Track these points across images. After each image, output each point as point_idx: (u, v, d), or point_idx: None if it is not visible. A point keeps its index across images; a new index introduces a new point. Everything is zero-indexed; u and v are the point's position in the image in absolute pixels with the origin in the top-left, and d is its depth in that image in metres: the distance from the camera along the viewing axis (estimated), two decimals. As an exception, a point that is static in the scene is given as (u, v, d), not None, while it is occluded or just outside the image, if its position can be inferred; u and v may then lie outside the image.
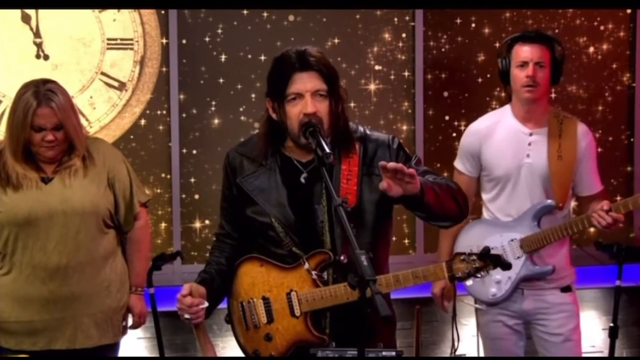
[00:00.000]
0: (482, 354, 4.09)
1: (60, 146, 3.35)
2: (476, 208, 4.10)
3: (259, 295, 2.95)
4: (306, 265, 2.89)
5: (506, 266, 2.88)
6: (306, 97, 2.82)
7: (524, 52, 3.78)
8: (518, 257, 3.79)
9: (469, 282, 2.88)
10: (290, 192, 2.92)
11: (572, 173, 3.80)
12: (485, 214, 3.96)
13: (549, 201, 3.79)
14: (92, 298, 3.41)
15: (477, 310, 4.01)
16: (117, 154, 3.56)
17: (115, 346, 3.56)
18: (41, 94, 3.30)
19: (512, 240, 3.81)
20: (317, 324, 2.91)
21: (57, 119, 3.30)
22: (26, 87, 3.35)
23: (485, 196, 3.96)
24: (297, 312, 2.90)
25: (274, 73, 2.88)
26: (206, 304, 2.89)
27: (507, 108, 3.91)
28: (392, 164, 2.66)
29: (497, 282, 3.83)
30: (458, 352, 5.06)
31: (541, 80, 3.76)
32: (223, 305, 3.08)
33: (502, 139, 3.86)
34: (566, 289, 3.88)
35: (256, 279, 2.96)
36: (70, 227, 3.34)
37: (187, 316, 2.87)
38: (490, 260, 2.85)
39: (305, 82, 2.82)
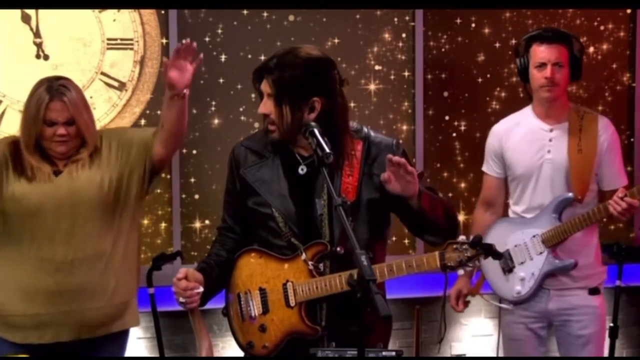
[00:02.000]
0: (501, 354, 4.07)
1: (72, 142, 3.36)
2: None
3: (256, 286, 2.99)
4: (303, 256, 2.93)
5: (497, 255, 2.90)
6: (264, 98, 2.94)
7: (542, 52, 3.78)
8: (540, 253, 3.79)
9: (461, 272, 2.91)
10: (292, 184, 2.97)
11: (592, 166, 3.80)
12: (511, 213, 3.97)
13: (568, 194, 3.78)
14: (100, 291, 3.40)
15: (500, 310, 3.99)
16: (118, 130, 3.57)
17: (123, 335, 3.54)
18: (54, 88, 3.34)
19: (533, 236, 3.81)
20: (311, 315, 2.94)
21: (69, 114, 3.33)
22: (39, 83, 3.39)
23: (510, 196, 3.97)
24: (292, 303, 2.94)
25: None
26: (201, 289, 2.92)
27: (528, 108, 3.94)
28: (397, 158, 2.77)
29: (521, 280, 3.82)
30: (458, 352, 5.07)
31: (560, 80, 3.77)
32: (224, 304, 3.09)
33: (523, 138, 3.88)
34: (594, 291, 3.85)
35: (255, 271, 3.00)
36: (78, 219, 3.35)
37: (182, 300, 2.91)
38: (481, 248, 2.87)
39: (264, 84, 2.94)
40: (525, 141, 3.87)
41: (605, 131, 3.85)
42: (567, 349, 3.90)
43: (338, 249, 2.90)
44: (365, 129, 3.03)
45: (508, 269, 3.87)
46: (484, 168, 4.04)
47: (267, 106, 2.92)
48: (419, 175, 2.96)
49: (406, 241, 5.17)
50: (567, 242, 3.78)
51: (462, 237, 2.91)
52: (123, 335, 3.55)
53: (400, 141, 3.06)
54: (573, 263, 3.77)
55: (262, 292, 2.97)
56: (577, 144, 3.80)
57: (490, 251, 2.88)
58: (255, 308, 2.98)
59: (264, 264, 2.99)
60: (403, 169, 2.76)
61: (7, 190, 3.35)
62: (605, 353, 4.97)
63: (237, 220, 3.09)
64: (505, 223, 3.93)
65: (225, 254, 3.07)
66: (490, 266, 3.90)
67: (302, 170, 2.97)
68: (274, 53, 2.96)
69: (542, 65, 3.78)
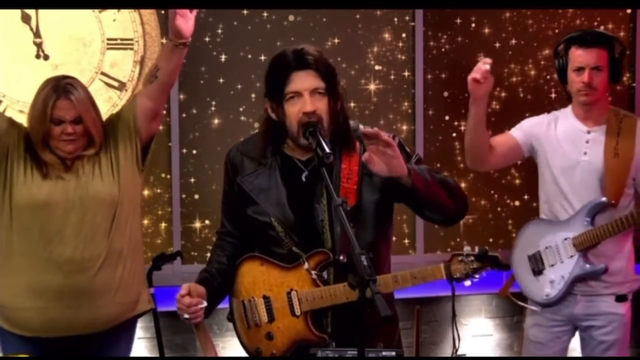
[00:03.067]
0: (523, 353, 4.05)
1: (79, 140, 3.37)
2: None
3: (259, 294, 2.97)
4: (306, 265, 2.90)
5: (504, 267, 2.89)
6: (305, 95, 2.82)
7: (580, 56, 3.73)
8: (571, 256, 3.76)
9: (467, 283, 2.90)
10: (290, 191, 2.93)
11: (628, 171, 3.75)
12: (543, 214, 3.94)
13: (602, 198, 3.74)
14: (111, 288, 3.40)
15: (527, 310, 3.97)
16: (109, 117, 3.58)
17: (134, 319, 3.55)
18: (60, 87, 3.36)
19: (565, 239, 3.78)
20: (317, 323, 2.92)
21: (76, 112, 3.34)
22: (46, 82, 3.41)
23: (542, 194, 3.94)
24: (298, 312, 2.92)
25: (271, 73, 2.89)
26: (205, 304, 2.90)
27: (568, 107, 3.90)
28: (368, 129, 2.68)
29: (550, 282, 3.80)
30: (458, 352, 5.07)
31: (598, 84, 3.73)
32: (224, 305, 3.08)
33: (560, 136, 3.84)
34: (621, 298, 3.81)
35: (257, 278, 2.97)
36: (87, 213, 3.36)
37: (186, 316, 2.89)
38: (487, 261, 2.87)
39: (304, 81, 2.82)
40: (562, 140, 3.83)
41: None
42: (588, 351, 3.87)
43: (341, 257, 2.87)
44: (361, 127, 3.00)
45: (538, 270, 3.85)
46: (511, 130, 3.95)
47: (313, 102, 2.82)
48: (417, 160, 2.93)
49: (406, 241, 5.17)
50: (599, 247, 3.74)
51: (467, 249, 2.90)
52: (133, 320, 3.55)
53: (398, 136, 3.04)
54: (603, 268, 3.73)
55: (267, 300, 2.96)
56: (615, 147, 3.75)
57: (496, 263, 2.87)
58: (260, 316, 2.96)
59: (266, 272, 2.97)
60: (382, 143, 2.67)
61: (19, 181, 3.37)
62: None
63: (236, 224, 3.06)
64: (537, 224, 3.91)
65: (226, 261, 3.05)
66: (521, 267, 3.90)
67: (304, 177, 2.93)
68: (290, 51, 2.86)
69: (580, 70, 3.73)
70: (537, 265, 3.85)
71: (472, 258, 2.87)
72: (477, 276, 2.88)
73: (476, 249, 2.90)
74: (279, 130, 2.91)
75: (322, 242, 2.90)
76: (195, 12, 3.30)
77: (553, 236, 3.81)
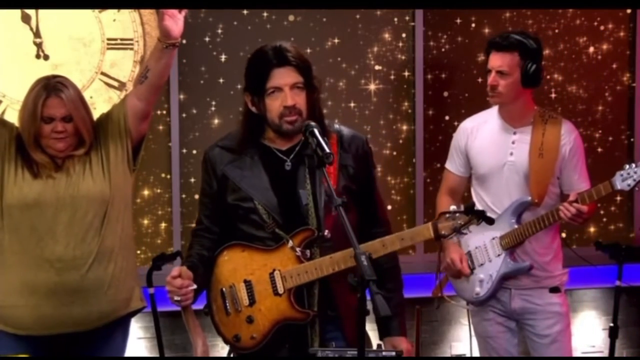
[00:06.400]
0: (476, 354, 4.10)
1: (70, 138, 3.38)
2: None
3: (240, 279, 3.02)
4: (290, 243, 2.97)
5: (489, 221, 2.95)
6: (285, 90, 2.98)
7: (490, 59, 3.83)
8: (498, 255, 3.84)
9: (455, 240, 2.92)
10: (273, 178, 3.03)
11: (552, 170, 3.83)
12: None
13: (526, 198, 3.82)
14: (100, 285, 3.40)
15: (468, 310, 4.04)
16: (99, 116, 3.58)
17: (127, 317, 3.55)
18: (51, 85, 3.38)
19: (493, 238, 3.85)
20: (301, 301, 2.98)
21: (66, 109, 3.36)
22: (37, 82, 3.43)
23: (473, 194, 4.01)
24: (281, 290, 2.98)
25: (252, 69, 3.09)
26: (195, 286, 2.95)
27: (495, 108, 3.96)
28: None
29: (480, 281, 3.88)
30: (458, 352, 5.08)
31: (503, 87, 3.79)
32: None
33: (488, 138, 3.91)
34: (554, 290, 3.89)
35: (238, 264, 3.03)
36: (78, 213, 3.37)
37: (177, 298, 2.93)
38: (474, 214, 2.92)
39: (284, 77, 2.98)
40: (490, 142, 3.90)
41: (568, 136, 3.86)
42: (535, 348, 3.94)
43: (325, 232, 2.95)
44: (335, 124, 3.14)
45: (469, 270, 3.90)
46: (448, 165, 4.07)
47: (293, 96, 2.98)
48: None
49: (406, 241, 5.16)
50: (526, 244, 3.83)
51: (453, 207, 2.95)
52: (127, 318, 3.55)
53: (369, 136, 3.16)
54: (528, 265, 3.83)
55: (248, 284, 3.01)
56: (539, 148, 3.82)
57: (482, 216, 2.94)
58: (241, 300, 3.01)
59: (247, 257, 3.02)
60: None
61: (10, 181, 3.38)
62: (605, 353, 4.98)
63: (215, 220, 3.14)
64: None
65: (207, 253, 3.11)
66: None
67: (287, 166, 3.04)
68: (269, 49, 3.03)
69: (489, 72, 3.83)
70: (468, 265, 3.91)
71: (459, 214, 2.92)
72: (465, 231, 2.94)
73: (461, 206, 2.96)
74: (258, 122, 3.06)
75: (306, 225, 2.98)
76: (184, 12, 3.31)
77: (482, 236, 3.85)
